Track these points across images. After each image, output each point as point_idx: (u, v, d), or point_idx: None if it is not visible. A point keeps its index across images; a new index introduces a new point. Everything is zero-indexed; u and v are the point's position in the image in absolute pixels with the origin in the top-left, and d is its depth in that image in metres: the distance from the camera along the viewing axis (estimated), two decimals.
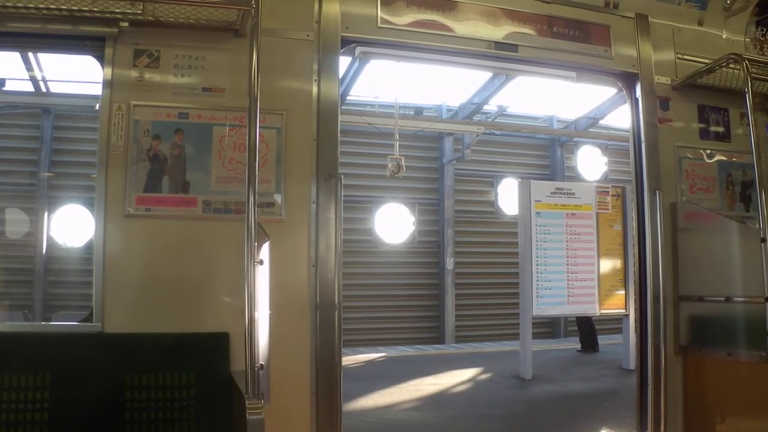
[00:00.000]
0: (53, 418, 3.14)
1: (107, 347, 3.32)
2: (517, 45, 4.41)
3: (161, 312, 3.44)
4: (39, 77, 11.60)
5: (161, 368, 3.31)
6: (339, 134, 3.93)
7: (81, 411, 3.18)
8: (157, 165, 3.56)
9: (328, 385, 3.75)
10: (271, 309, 3.18)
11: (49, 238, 12.24)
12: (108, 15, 3.45)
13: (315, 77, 3.90)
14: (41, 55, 10.75)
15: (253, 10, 3.16)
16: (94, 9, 3.40)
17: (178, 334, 3.39)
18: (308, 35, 3.92)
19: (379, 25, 4.10)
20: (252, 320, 2.83)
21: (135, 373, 3.28)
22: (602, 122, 15.45)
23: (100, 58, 3.59)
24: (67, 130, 12.88)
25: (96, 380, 3.22)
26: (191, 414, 3.31)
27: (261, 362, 2.89)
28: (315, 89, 3.89)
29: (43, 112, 12.68)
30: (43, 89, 11.96)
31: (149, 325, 3.38)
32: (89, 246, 10.77)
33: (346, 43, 4.04)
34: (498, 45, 4.36)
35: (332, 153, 3.89)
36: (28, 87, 11.87)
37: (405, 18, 4.16)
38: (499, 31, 4.37)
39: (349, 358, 10.57)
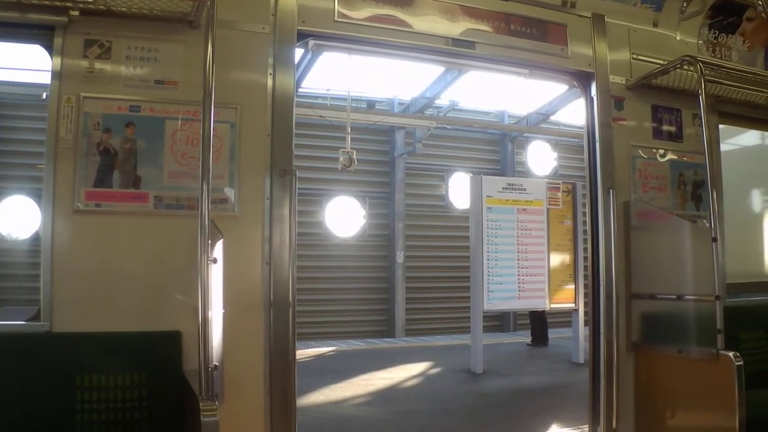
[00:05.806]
0: None
1: (56, 347, 3.20)
2: (474, 42, 4.39)
3: (112, 310, 3.33)
4: None
5: (113, 368, 3.22)
6: (294, 130, 3.86)
7: (29, 414, 3.07)
8: (108, 159, 3.44)
9: (283, 384, 3.69)
10: (224, 307, 3.12)
11: None
12: (57, 3, 3.29)
13: (270, 71, 3.83)
14: None
15: (208, 2, 3.08)
16: None
17: (129, 333, 3.30)
18: (264, 28, 3.83)
19: (336, 19, 4.02)
20: (205, 319, 2.78)
21: (86, 374, 3.17)
22: (553, 118, 15.62)
23: (49, 48, 3.44)
24: (11, 119, 12.42)
25: (45, 382, 3.11)
26: (143, 415, 3.23)
27: (215, 362, 2.83)
28: (270, 83, 3.82)
29: None
30: None
31: (100, 324, 3.27)
32: (35, 239, 10.47)
33: (303, 37, 3.97)
34: (455, 41, 4.34)
35: (287, 149, 3.83)
36: None
37: (362, 12, 4.10)
38: (457, 28, 4.34)
39: (300, 352, 10.37)
